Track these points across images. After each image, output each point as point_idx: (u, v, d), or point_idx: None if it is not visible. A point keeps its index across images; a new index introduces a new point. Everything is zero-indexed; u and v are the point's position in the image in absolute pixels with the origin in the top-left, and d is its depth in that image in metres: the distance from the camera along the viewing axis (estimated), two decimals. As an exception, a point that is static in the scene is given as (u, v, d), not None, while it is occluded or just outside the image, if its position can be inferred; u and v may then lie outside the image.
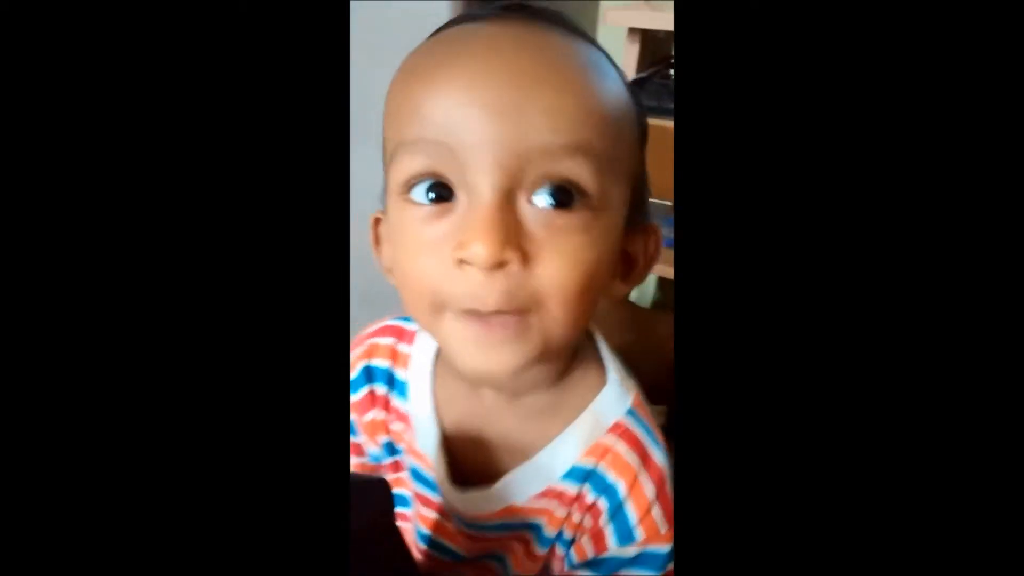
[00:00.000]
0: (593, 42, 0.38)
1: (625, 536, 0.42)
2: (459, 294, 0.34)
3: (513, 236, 0.32)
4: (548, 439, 0.43)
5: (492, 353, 0.34)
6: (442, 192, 0.34)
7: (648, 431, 0.44)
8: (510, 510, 0.44)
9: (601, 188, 0.34)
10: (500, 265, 0.32)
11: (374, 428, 0.50)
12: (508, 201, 0.33)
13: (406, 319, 0.51)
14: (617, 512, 0.42)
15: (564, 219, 0.33)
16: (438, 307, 0.35)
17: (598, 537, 0.43)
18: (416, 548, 0.50)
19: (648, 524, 0.42)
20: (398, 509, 0.51)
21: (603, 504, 0.42)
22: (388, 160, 0.37)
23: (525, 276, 0.33)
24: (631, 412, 0.43)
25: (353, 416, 0.50)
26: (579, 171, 0.33)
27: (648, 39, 1.03)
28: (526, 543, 0.46)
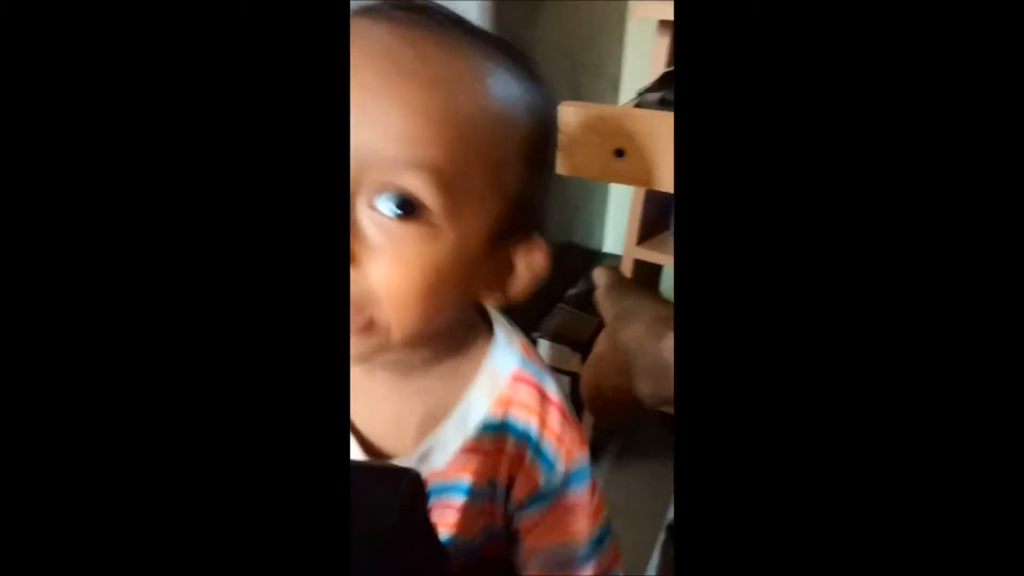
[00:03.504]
0: (490, 49, 0.38)
1: (550, 465, 0.47)
2: None
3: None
4: (454, 403, 0.46)
5: None
6: None
7: (539, 372, 0.48)
8: (432, 475, 0.46)
9: (446, 204, 0.35)
10: None
11: None
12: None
13: None
14: (538, 448, 0.47)
15: (401, 228, 0.35)
16: None
17: (528, 474, 0.47)
18: None
19: (565, 449, 0.47)
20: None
21: (523, 446, 0.47)
22: None
23: (357, 275, 0.35)
24: (522, 359, 0.48)
25: None
26: (418, 186, 0.34)
27: (678, 32, 1.02)
28: (458, 508, 0.48)
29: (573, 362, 1.12)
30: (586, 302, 1.17)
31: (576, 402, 1.14)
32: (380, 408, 0.47)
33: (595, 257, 1.45)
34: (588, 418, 1.21)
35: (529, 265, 0.42)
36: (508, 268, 0.42)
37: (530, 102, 0.39)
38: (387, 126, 0.33)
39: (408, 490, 0.34)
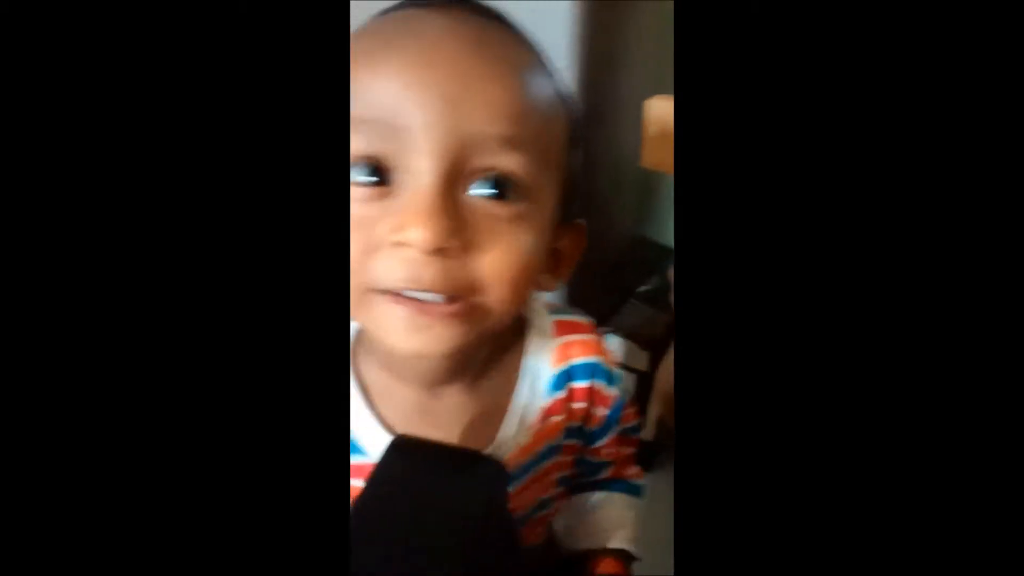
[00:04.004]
0: (530, 41, 0.39)
1: (614, 380, 0.51)
2: (392, 274, 0.34)
3: (454, 223, 0.33)
4: (516, 379, 0.47)
5: (423, 335, 0.35)
6: (380, 173, 0.34)
7: (567, 312, 0.50)
8: (522, 451, 0.47)
9: (535, 181, 0.35)
10: (439, 251, 0.33)
11: None
12: (449, 187, 0.33)
13: None
14: (608, 375, 0.50)
15: (502, 209, 0.34)
16: (366, 288, 0.35)
17: (605, 400, 0.50)
18: None
19: (611, 360, 0.51)
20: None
21: (593, 380, 0.49)
22: None
23: (464, 262, 0.34)
24: (552, 310, 0.50)
25: None
26: (515, 163, 0.34)
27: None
28: (542, 473, 0.49)
29: (642, 359, 1.11)
30: (658, 298, 1.15)
31: (643, 400, 1.13)
32: (452, 421, 0.46)
33: (668, 254, 1.43)
34: (655, 410, 1.20)
35: (574, 247, 0.44)
36: (558, 251, 0.43)
37: (561, 87, 0.40)
38: (486, 106, 0.33)
39: (490, 479, 0.34)
